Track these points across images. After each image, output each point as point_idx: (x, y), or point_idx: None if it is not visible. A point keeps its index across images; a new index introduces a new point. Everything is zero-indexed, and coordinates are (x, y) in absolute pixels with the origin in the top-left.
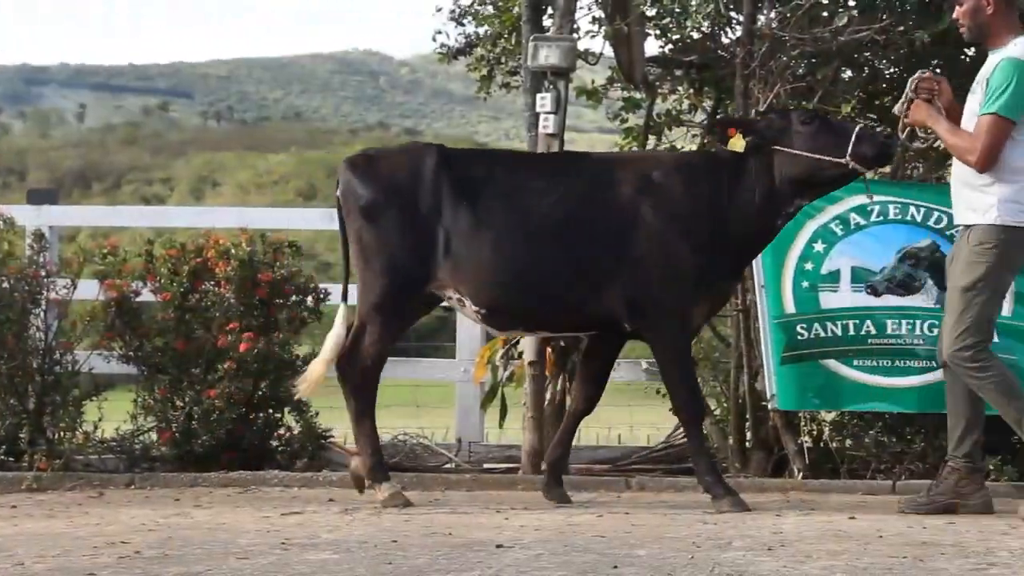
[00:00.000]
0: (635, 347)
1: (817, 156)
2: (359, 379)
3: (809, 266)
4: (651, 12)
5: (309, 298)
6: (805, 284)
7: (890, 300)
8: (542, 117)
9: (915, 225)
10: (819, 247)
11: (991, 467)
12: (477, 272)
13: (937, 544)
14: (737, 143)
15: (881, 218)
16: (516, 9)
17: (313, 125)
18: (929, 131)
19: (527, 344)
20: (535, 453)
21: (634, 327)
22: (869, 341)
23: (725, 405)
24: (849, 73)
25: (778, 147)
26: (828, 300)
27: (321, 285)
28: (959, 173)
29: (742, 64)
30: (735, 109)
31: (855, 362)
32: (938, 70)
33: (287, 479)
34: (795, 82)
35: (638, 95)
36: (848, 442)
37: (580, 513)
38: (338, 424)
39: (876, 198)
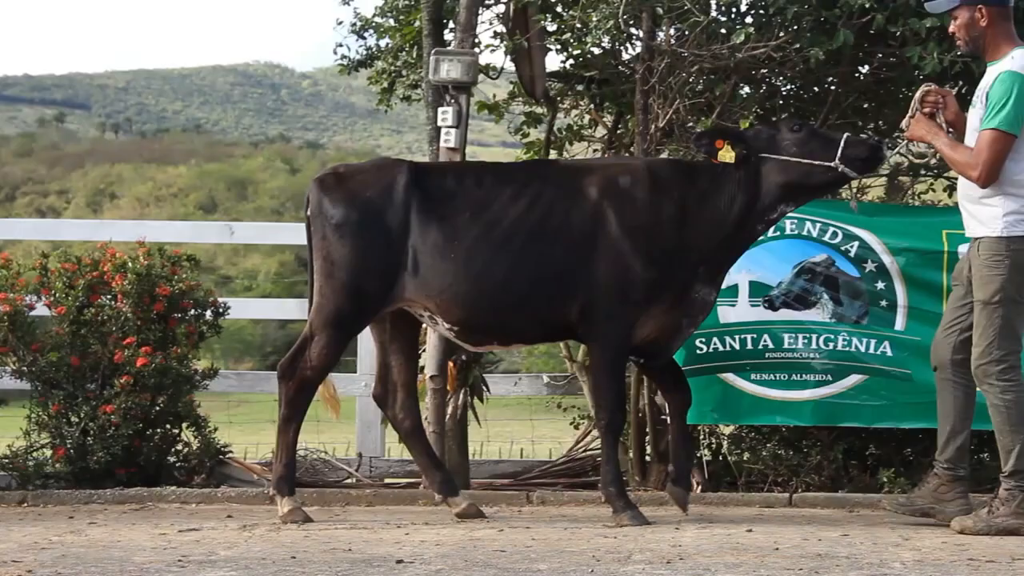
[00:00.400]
0: (536, 361)
1: (807, 161)
2: (296, 387)
3: None
4: (552, 27)
5: (208, 312)
6: None
7: (787, 314)
8: (443, 131)
9: (811, 240)
10: None
11: (884, 479)
12: (444, 290)
13: (832, 556)
14: (727, 154)
15: (778, 233)
16: (417, 23)
17: (214, 137)
18: (929, 146)
19: (428, 358)
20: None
21: (581, 331)
22: (766, 355)
23: (627, 419)
24: (747, 89)
25: (767, 155)
26: (726, 314)
27: (220, 299)
28: (963, 188)
29: (642, 80)
30: (636, 124)
31: (752, 376)
32: (832, 87)
33: (185, 495)
34: (694, 98)
35: (539, 110)
36: (746, 455)
37: (481, 528)
38: (237, 440)
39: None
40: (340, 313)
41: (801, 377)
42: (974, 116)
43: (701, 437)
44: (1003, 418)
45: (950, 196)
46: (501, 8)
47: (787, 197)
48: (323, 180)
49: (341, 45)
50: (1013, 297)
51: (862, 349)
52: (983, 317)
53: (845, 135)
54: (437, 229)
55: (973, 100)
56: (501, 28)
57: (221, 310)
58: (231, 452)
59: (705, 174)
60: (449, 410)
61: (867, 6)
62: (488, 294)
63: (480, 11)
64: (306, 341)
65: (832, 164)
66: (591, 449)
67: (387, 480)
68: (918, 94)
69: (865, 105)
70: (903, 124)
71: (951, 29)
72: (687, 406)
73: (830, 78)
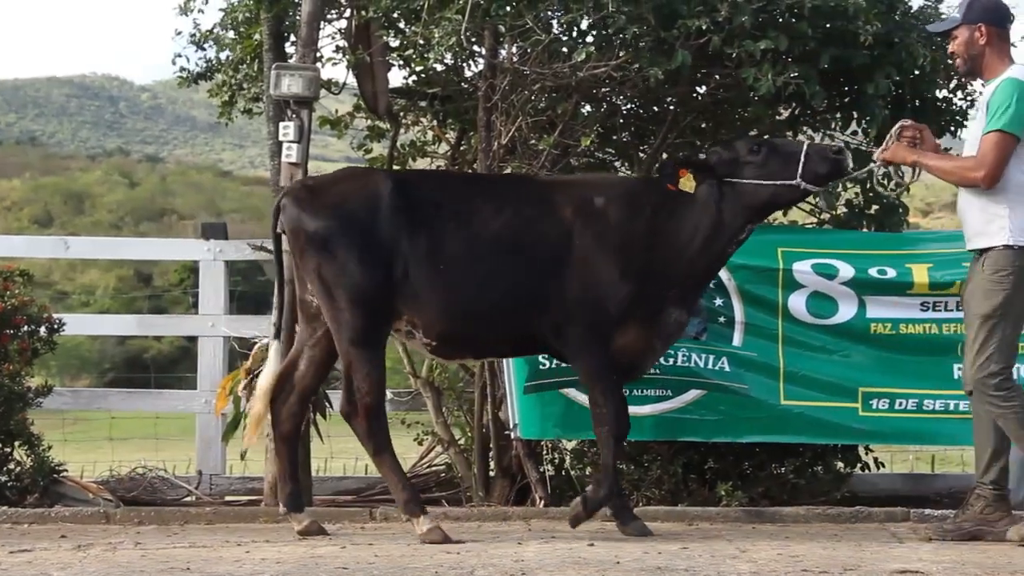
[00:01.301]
0: None
1: (769, 182)
2: (366, 420)
3: None
4: (394, 43)
5: (42, 328)
6: None
7: None
8: (285, 146)
9: None
10: None
11: (723, 493)
12: (434, 302)
13: (672, 569)
14: (687, 183)
15: None
16: (258, 36)
17: (49, 150)
18: (906, 169)
19: (267, 375)
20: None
21: (558, 347)
22: None
23: (469, 434)
24: (588, 108)
25: (731, 179)
26: None
27: (56, 315)
28: (967, 199)
29: (484, 97)
30: (479, 141)
31: None
32: (671, 107)
33: (16, 516)
34: (536, 115)
35: (382, 125)
36: (588, 470)
37: (324, 545)
38: (72, 458)
39: None
40: (361, 330)
41: (642, 392)
42: (975, 127)
43: (544, 452)
44: (1015, 425)
45: (784, 215)
46: (343, 23)
47: (753, 218)
48: (296, 195)
49: (180, 56)
50: (1015, 312)
51: (701, 365)
52: (983, 331)
53: (805, 146)
54: (425, 240)
55: (973, 113)
56: (343, 43)
57: (56, 326)
58: (66, 471)
59: (677, 193)
60: None
61: (704, 28)
62: (472, 308)
63: (322, 26)
64: (347, 373)
65: (794, 183)
66: (435, 465)
67: (228, 498)
68: (895, 128)
69: (703, 125)
70: (875, 156)
71: (951, 49)
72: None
73: (669, 98)
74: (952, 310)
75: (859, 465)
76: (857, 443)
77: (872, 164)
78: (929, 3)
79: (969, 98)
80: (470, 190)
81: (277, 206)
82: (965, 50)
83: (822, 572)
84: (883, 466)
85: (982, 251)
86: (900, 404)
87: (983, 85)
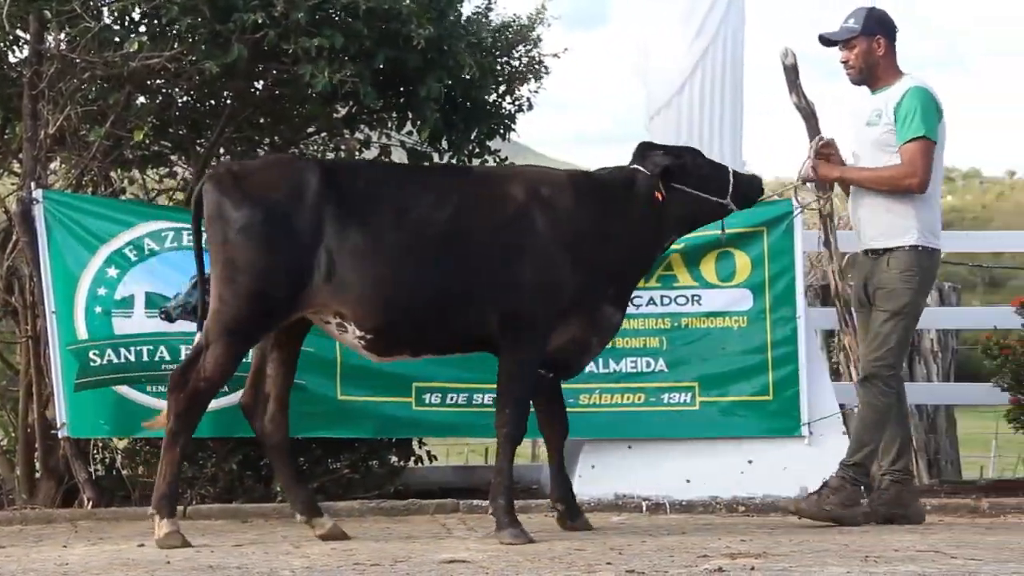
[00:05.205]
0: None
1: (706, 196)
2: (188, 401)
3: (103, 291)
4: None
5: None
6: (98, 309)
7: (184, 326)
8: None
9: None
10: (113, 272)
11: (279, 489)
12: (364, 295)
13: (224, 567)
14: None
15: (175, 245)
16: None
17: None
18: (827, 186)
19: None
20: None
21: (500, 340)
22: (163, 367)
23: (13, 434)
24: (142, 99)
25: (677, 185)
26: (122, 326)
27: None
28: (869, 200)
29: (30, 84)
30: (24, 130)
31: (148, 388)
32: (228, 101)
33: None
34: (87, 105)
35: None
36: (141, 469)
37: None
38: None
39: (169, 225)
40: (240, 320)
41: None
42: (873, 132)
43: (94, 452)
44: (872, 417)
45: None
46: None
47: (684, 228)
48: (219, 178)
49: None
50: (916, 312)
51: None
52: (887, 326)
53: (731, 171)
54: (355, 231)
55: (870, 119)
56: None
57: None
58: None
59: (619, 192)
60: None
61: (260, 22)
62: (407, 302)
63: None
64: (200, 351)
65: (725, 202)
66: None
67: None
68: (814, 144)
69: (261, 120)
70: (801, 173)
71: (844, 57)
72: (564, 440)
73: (226, 92)
74: None
75: (413, 459)
76: (411, 436)
77: (796, 183)
78: (480, 11)
79: (517, 102)
80: (408, 180)
81: (199, 191)
82: (863, 60)
83: (374, 564)
84: (435, 459)
85: (884, 250)
86: (451, 398)
87: (872, 93)
